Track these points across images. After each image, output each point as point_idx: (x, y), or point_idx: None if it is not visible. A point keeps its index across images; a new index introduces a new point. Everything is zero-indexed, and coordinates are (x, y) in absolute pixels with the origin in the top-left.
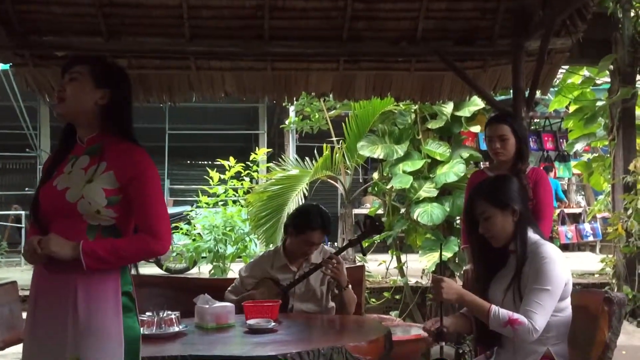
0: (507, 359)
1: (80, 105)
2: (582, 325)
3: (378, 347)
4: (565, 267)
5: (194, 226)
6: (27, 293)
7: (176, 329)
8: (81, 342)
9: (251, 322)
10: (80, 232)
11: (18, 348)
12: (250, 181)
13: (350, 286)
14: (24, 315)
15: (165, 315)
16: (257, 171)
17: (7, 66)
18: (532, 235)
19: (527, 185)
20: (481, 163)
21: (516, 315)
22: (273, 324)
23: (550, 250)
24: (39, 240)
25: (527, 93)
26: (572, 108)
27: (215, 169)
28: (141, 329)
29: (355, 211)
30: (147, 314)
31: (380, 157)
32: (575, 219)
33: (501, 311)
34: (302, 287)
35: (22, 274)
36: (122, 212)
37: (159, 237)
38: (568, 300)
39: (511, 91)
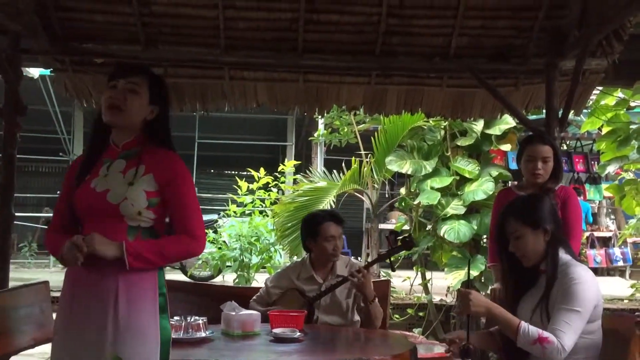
0: None
1: (135, 118)
2: (612, 349)
3: None
4: (595, 289)
5: (221, 234)
6: (56, 294)
7: (203, 334)
8: (121, 341)
9: (277, 331)
10: (120, 233)
11: (45, 348)
12: (278, 192)
13: (377, 300)
14: (55, 315)
15: (192, 320)
16: (284, 182)
17: (45, 72)
18: (563, 255)
19: (556, 205)
20: (509, 182)
21: (546, 334)
22: (299, 333)
23: (581, 271)
24: (82, 238)
25: (560, 113)
26: (605, 130)
27: (244, 179)
28: None
29: (381, 226)
30: (176, 318)
31: (409, 172)
32: (605, 243)
33: (531, 328)
34: (327, 300)
35: (51, 276)
36: (160, 213)
37: (197, 238)
38: (598, 323)
39: (544, 111)
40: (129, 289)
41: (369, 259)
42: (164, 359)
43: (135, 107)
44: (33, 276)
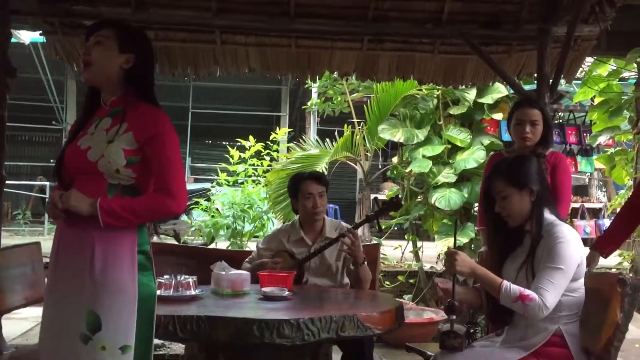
0: (518, 335)
1: (105, 69)
2: (595, 307)
3: (389, 318)
4: (579, 248)
5: (214, 202)
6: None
7: (193, 292)
8: (96, 297)
9: (266, 289)
10: (100, 190)
11: (39, 311)
12: (271, 161)
13: (366, 263)
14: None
15: (182, 278)
16: (277, 151)
17: (36, 39)
18: (548, 215)
19: (546, 170)
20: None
21: (527, 292)
22: (287, 292)
23: (565, 230)
24: (60, 194)
25: (551, 80)
26: (597, 100)
27: (236, 148)
28: (158, 290)
29: (374, 196)
30: (165, 276)
31: (401, 140)
32: (595, 214)
33: (512, 287)
34: (317, 262)
35: (44, 242)
36: (141, 172)
37: (174, 196)
38: (581, 282)
39: (535, 80)
40: (105, 246)
41: (365, 226)
42: (146, 316)
43: (102, 58)
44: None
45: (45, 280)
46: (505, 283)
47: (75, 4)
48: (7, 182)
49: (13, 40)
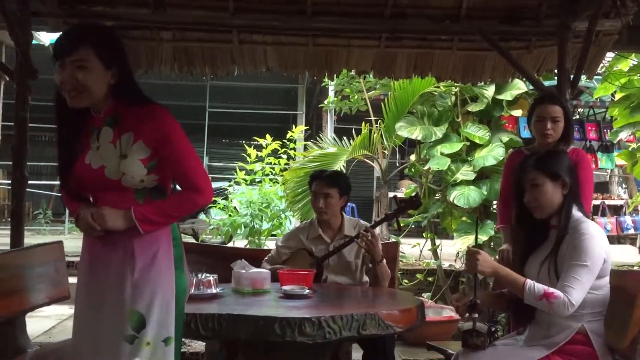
0: (541, 333)
1: (98, 92)
2: (620, 305)
3: (411, 316)
4: (604, 245)
5: (231, 201)
6: (71, 259)
7: (214, 290)
8: (139, 296)
9: (286, 288)
10: (129, 198)
11: (62, 310)
12: (288, 159)
13: (384, 261)
14: (70, 279)
15: (203, 277)
16: (294, 149)
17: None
18: (575, 212)
19: None
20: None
21: (551, 290)
22: (308, 290)
23: (591, 227)
24: (91, 214)
25: (572, 76)
26: (618, 96)
27: (253, 147)
28: None
29: (391, 194)
30: None
31: (419, 138)
32: (616, 211)
33: (536, 285)
34: (336, 260)
35: (66, 241)
36: (162, 172)
37: (200, 190)
38: (606, 279)
39: (555, 76)
40: (144, 248)
41: (383, 224)
42: (180, 308)
43: (92, 82)
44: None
45: (74, 282)
46: (529, 282)
47: (94, 5)
48: (29, 182)
49: (34, 42)
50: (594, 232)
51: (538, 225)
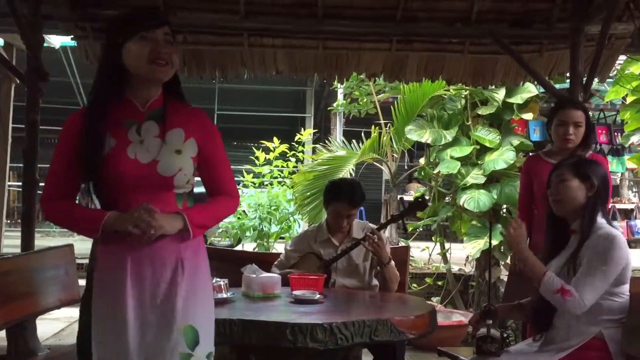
0: (559, 339)
1: (173, 70)
2: (638, 312)
3: (423, 323)
4: (625, 252)
5: (240, 204)
6: (80, 261)
7: (224, 295)
8: (192, 309)
9: (297, 293)
10: (170, 202)
11: (71, 312)
12: (296, 162)
13: (392, 263)
14: (81, 281)
15: (214, 281)
16: (302, 152)
17: (66, 42)
18: (600, 219)
19: None
20: (530, 152)
21: (568, 287)
22: (319, 295)
23: (613, 232)
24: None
25: (584, 79)
26: (629, 99)
27: (261, 150)
28: None
29: (399, 197)
30: None
31: (428, 141)
32: (627, 215)
33: (555, 278)
34: (344, 262)
35: (75, 243)
36: (195, 175)
37: (235, 196)
38: (626, 287)
39: (567, 79)
40: (190, 255)
41: (392, 228)
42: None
43: (174, 59)
44: (58, 244)
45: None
46: (550, 273)
47: (106, 8)
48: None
49: (44, 44)
50: (615, 238)
51: (559, 231)
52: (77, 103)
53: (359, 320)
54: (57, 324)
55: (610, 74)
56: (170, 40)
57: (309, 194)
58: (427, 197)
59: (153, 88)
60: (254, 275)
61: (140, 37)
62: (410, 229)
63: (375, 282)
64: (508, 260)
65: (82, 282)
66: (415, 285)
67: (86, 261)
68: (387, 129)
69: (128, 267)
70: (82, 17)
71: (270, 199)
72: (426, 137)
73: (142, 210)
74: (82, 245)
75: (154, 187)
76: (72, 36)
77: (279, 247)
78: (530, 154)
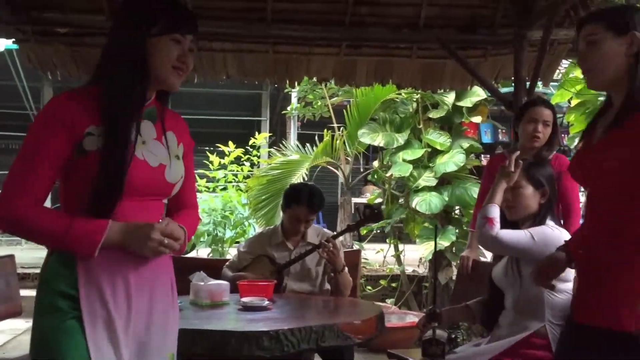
0: (503, 336)
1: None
2: None
3: (370, 326)
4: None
5: None
6: (27, 271)
7: None
8: (176, 335)
9: (245, 299)
10: (159, 211)
11: (16, 324)
12: (251, 166)
13: (346, 269)
14: (22, 291)
15: None
16: (258, 156)
17: (11, 45)
18: (549, 221)
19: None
20: (482, 155)
21: (496, 220)
22: (267, 302)
23: (558, 228)
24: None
25: (528, 83)
26: (574, 102)
27: (215, 154)
28: None
29: (355, 200)
30: None
31: (381, 145)
32: None
33: (496, 209)
34: (297, 267)
35: (22, 253)
36: None
37: (197, 207)
38: (569, 284)
39: (512, 83)
40: (173, 276)
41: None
42: None
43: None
44: (3, 253)
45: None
46: (494, 205)
47: (47, 11)
48: None
49: None
50: (558, 231)
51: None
52: (24, 107)
53: (305, 327)
54: (1, 337)
55: (556, 78)
56: (192, 49)
57: (263, 197)
58: (381, 200)
59: (155, 89)
60: (202, 283)
61: (173, 39)
62: (365, 231)
63: (327, 286)
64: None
65: (26, 293)
66: (370, 287)
67: (35, 271)
68: (341, 132)
69: (128, 292)
70: (23, 19)
71: (224, 203)
72: (379, 140)
73: (171, 225)
74: (28, 254)
75: (154, 194)
76: (13, 39)
77: (234, 252)
78: (479, 156)
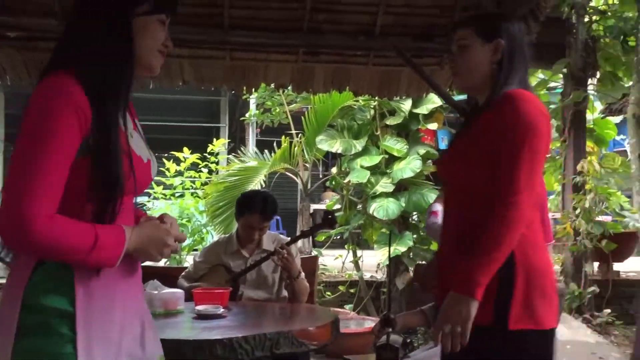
0: None
1: None
2: None
3: (325, 333)
4: None
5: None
6: None
7: None
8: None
9: (200, 308)
10: (132, 213)
11: None
12: (209, 173)
13: (302, 275)
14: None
15: None
16: (217, 162)
17: None
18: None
19: None
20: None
21: (440, 213)
22: (222, 310)
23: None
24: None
25: None
26: None
27: (172, 161)
28: None
29: (315, 206)
30: None
31: (339, 151)
32: None
33: (438, 204)
34: (253, 274)
35: None
36: None
37: None
38: None
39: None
40: None
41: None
42: None
43: None
44: None
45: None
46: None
47: None
48: None
49: None
50: None
51: None
52: None
53: (259, 334)
54: None
55: None
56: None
57: (220, 204)
58: (339, 206)
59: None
60: (156, 292)
61: (159, 20)
62: (323, 237)
63: (284, 293)
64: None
65: None
66: (329, 293)
67: None
68: (299, 139)
69: (124, 303)
70: None
71: (181, 210)
72: (336, 147)
73: (171, 223)
74: None
75: (139, 192)
76: None
77: (191, 260)
78: (435, 164)
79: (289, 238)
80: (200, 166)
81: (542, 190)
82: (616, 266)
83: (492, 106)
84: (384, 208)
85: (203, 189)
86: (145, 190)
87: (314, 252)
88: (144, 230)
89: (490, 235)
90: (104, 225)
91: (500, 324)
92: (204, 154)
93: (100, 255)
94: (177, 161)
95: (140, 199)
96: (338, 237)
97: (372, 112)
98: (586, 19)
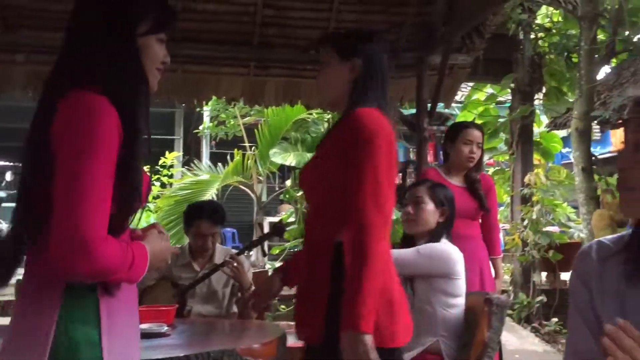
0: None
1: None
2: (468, 324)
3: (271, 349)
4: (450, 260)
5: None
6: None
7: None
8: None
9: (143, 326)
10: None
11: None
12: (162, 186)
13: (253, 288)
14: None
15: None
16: (171, 175)
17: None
18: (444, 239)
19: (483, 195)
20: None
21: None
22: (166, 328)
23: (447, 244)
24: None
25: (429, 105)
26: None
27: None
28: None
29: (271, 219)
30: None
31: (292, 164)
32: None
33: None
34: (203, 288)
35: None
36: None
37: None
38: (461, 299)
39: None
40: None
41: (258, 252)
42: None
43: None
44: None
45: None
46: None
47: None
48: None
49: None
50: (445, 246)
51: (406, 245)
52: None
53: (202, 352)
54: None
55: (461, 100)
56: None
57: (173, 218)
58: (293, 219)
59: None
60: None
61: (159, 39)
62: (278, 250)
63: (234, 309)
64: None
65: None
66: (283, 307)
67: None
68: (252, 152)
69: (135, 321)
70: None
71: (133, 224)
72: (290, 159)
73: (163, 234)
74: None
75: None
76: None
77: None
78: (400, 174)
79: (253, 255)
80: (152, 179)
81: (393, 203)
82: (563, 275)
83: (341, 123)
84: None
85: (155, 203)
86: None
87: (268, 266)
88: (153, 246)
89: (354, 264)
90: (131, 242)
91: (331, 342)
92: (156, 167)
93: (132, 274)
94: None
95: None
96: (292, 250)
97: (326, 125)
98: (532, 36)
